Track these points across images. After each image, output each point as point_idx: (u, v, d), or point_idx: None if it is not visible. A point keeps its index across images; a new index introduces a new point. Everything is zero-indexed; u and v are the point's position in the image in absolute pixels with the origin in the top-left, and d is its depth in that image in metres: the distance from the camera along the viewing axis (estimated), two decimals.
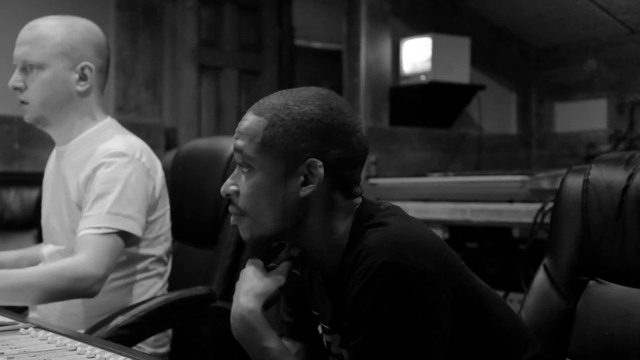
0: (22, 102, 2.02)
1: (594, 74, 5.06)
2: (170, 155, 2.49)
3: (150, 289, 2.10)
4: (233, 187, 1.32)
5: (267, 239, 1.33)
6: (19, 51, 2.00)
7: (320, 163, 1.26)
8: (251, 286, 1.31)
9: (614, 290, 1.46)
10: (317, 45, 6.21)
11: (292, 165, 1.27)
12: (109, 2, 4.24)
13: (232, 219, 1.34)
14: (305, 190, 1.28)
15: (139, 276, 2.09)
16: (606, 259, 1.47)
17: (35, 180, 2.41)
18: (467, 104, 5.17)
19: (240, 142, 1.30)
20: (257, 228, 1.31)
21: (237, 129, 1.32)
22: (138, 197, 1.97)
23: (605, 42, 4.96)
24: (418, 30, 4.97)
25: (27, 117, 2.04)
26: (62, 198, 2.05)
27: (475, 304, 1.28)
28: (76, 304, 2.02)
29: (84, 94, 2.03)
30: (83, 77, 2.01)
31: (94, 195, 1.93)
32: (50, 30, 2.00)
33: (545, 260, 1.57)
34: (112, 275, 1.99)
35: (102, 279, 1.88)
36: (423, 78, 4.80)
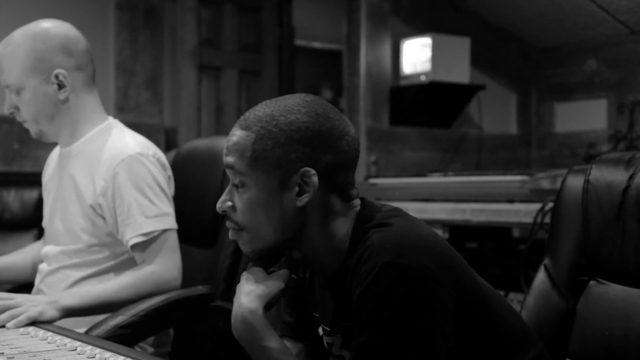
0: (23, 122, 2.05)
1: (594, 74, 5.05)
2: (170, 155, 2.49)
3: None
4: (228, 203, 1.31)
5: (268, 251, 1.33)
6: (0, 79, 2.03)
7: (313, 172, 1.26)
8: (252, 288, 1.31)
9: (614, 291, 1.46)
10: (317, 45, 6.21)
11: (286, 177, 1.27)
12: (109, 2, 4.24)
13: (230, 234, 1.33)
14: (302, 200, 1.27)
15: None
16: (606, 259, 1.47)
17: (35, 180, 2.41)
18: (467, 104, 5.17)
19: (230, 159, 1.29)
20: (257, 242, 1.31)
21: (225, 146, 1.31)
22: (164, 191, 2.03)
23: (605, 42, 4.96)
24: (418, 30, 4.97)
25: (32, 134, 2.08)
26: (72, 199, 2.06)
27: (477, 304, 1.28)
28: None
29: (67, 99, 2.01)
30: (61, 85, 2.00)
31: (127, 202, 1.97)
32: (15, 49, 1.98)
33: (546, 260, 1.57)
34: (114, 274, 2.04)
35: (178, 277, 2.01)
36: (423, 78, 4.80)
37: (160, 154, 2.09)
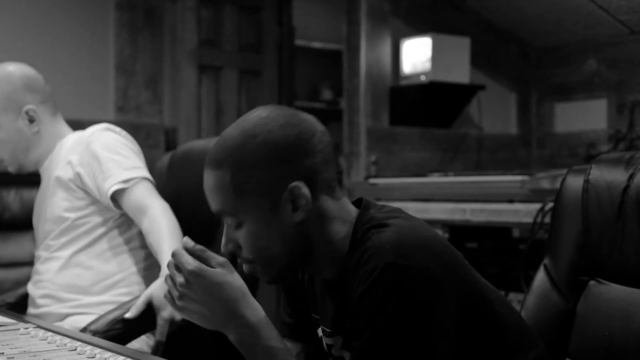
0: (1, 162, 2.23)
1: (594, 74, 5.05)
2: (167, 157, 2.50)
3: (149, 257, 2.18)
4: (231, 244, 1.30)
5: (287, 272, 1.32)
6: None
7: (301, 184, 1.24)
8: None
9: (614, 291, 1.46)
10: (317, 45, 6.19)
11: (275, 199, 1.24)
12: (109, 2, 4.24)
13: (245, 268, 1.31)
14: (299, 215, 1.26)
15: (134, 243, 2.19)
16: (606, 259, 1.47)
17: (35, 180, 2.44)
18: (467, 104, 5.17)
19: (215, 205, 1.27)
20: (271, 269, 1.30)
21: (205, 189, 1.28)
22: (137, 154, 2.17)
23: (605, 42, 4.96)
24: (418, 30, 4.97)
25: (11, 170, 2.26)
26: (54, 189, 2.19)
27: (478, 303, 1.27)
28: (81, 273, 2.15)
29: (38, 131, 2.20)
30: (31, 120, 2.18)
31: (104, 162, 2.09)
32: None
33: (546, 261, 1.57)
34: (112, 242, 2.16)
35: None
36: (423, 78, 4.80)
37: (127, 134, 2.24)
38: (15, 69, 2.20)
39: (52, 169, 2.21)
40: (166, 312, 1.90)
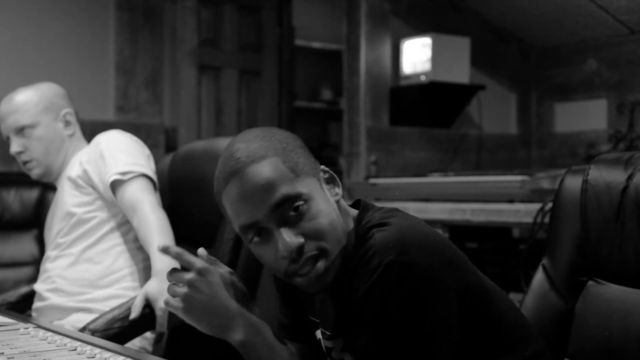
0: (25, 163, 2.34)
1: (594, 74, 5.05)
2: (168, 158, 2.50)
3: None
4: (300, 239, 1.23)
5: (337, 259, 1.28)
6: (7, 122, 2.31)
7: (323, 166, 1.32)
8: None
9: (613, 291, 1.46)
10: (317, 45, 6.19)
11: (318, 177, 1.29)
12: (109, 2, 4.24)
13: (311, 271, 1.24)
14: (338, 191, 1.32)
15: (138, 243, 2.23)
16: (605, 260, 1.47)
17: (35, 180, 2.45)
18: (467, 104, 5.17)
19: (275, 191, 1.21)
20: (338, 249, 1.26)
21: (254, 187, 1.21)
22: (144, 156, 2.27)
23: (605, 42, 4.96)
24: (418, 30, 4.97)
25: (35, 173, 2.36)
26: (66, 190, 2.28)
27: (479, 299, 1.28)
28: (90, 268, 2.23)
29: (72, 135, 2.38)
30: (67, 123, 2.36)
31: (107, 157, 2.20)
32: (26, 96, 2.32)
33: (544, 261, 1.57)
34: (120, 239, 2.24)
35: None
36: (423, 78, 4.80)
37: (138, 139, 2.36)
38: (53, 84, 2.41)
39: (66, 173, 2.33)
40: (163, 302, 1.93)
